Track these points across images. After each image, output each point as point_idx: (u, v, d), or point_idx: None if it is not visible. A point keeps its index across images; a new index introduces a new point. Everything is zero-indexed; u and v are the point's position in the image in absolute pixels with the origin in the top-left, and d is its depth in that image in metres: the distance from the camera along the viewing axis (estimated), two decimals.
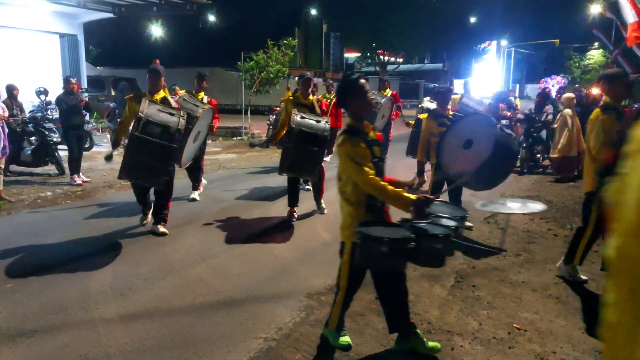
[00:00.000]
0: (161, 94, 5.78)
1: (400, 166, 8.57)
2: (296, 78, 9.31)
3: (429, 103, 6.81)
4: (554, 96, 15.54)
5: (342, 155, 3.05)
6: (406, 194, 2.94)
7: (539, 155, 11.08)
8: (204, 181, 8.20)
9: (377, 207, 3.16)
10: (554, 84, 27.97)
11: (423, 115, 6.38)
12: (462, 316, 3.98)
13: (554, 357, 3.36)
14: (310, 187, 7.60)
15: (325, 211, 6.98)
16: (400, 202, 2.95)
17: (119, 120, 6.42)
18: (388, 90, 11.04)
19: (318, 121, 5.97)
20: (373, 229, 2.95)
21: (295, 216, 6.70)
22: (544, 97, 11.89)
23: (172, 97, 6.28)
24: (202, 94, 7.66)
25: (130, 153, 5.12)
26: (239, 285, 4.53)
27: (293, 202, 6.72)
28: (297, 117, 5.84)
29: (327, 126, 5.99)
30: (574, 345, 3.52)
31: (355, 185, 3.06)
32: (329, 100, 9.76)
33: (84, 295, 4.22)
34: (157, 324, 3.77)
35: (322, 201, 7.02)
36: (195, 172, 7.76)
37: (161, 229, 5.94)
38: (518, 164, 10.48)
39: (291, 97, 6.53)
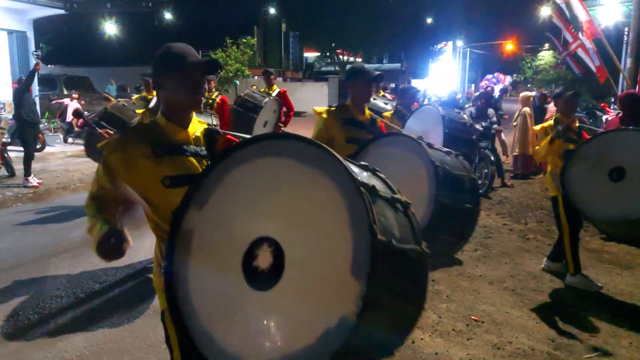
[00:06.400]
0: None
1: None
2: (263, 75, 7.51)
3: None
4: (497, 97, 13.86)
5: None
6: None
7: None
8: None
9: None
10: (495, 82, 25.15)
11: (540, 126, 4.65)
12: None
13: (510, 347, 3.48)
14: None
15: None
16: None
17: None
18: (275, 87, 7.69)
19: (448, 153, 2.97)
20: None
21: None
22: (487, 98, 9.67)
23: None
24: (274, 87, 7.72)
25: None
26: None
27: None
28: (430, 150, 2.79)
29: (466, 162, 3.07)
30: (528, 335, 3.65)
31: None
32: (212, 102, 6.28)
33: (37, 300, 4.08)
34: (116, 327, 3.68)
35: None
36: None
37: None
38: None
39: (332, 108, 3.30)
